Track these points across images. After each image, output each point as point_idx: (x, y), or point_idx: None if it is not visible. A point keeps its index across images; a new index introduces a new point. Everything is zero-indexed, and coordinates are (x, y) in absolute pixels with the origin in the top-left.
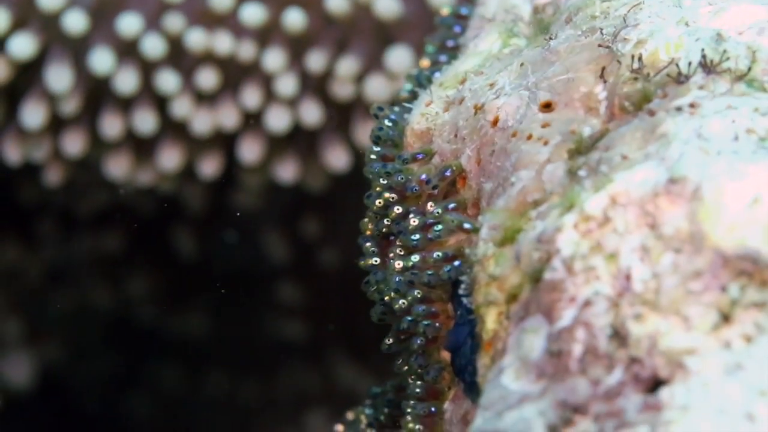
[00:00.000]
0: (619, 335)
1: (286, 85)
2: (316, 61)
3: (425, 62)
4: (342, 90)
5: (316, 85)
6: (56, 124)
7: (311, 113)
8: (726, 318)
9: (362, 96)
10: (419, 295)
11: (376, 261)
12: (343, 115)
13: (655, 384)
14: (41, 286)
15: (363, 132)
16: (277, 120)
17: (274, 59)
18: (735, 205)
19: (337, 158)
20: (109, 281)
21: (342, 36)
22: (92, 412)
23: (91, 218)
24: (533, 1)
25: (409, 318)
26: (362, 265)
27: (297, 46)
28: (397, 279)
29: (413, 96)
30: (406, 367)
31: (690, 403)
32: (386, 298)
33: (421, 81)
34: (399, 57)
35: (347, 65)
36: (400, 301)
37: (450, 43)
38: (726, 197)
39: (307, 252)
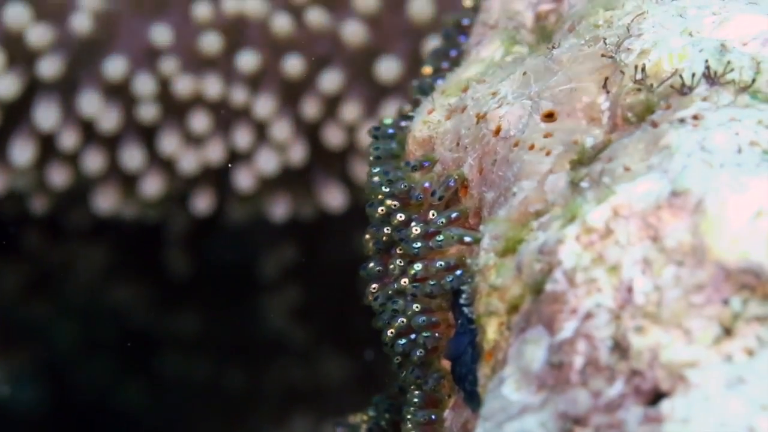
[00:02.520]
0: (620, 347)
1: (280, 130)
2: (310, 108)
3: (427, 69)
4: (337, 135)
5: (308, 130)
6: (43, 156)
7: (298, 154)
8: (728, 331)
9: (356, 143)
10: (418, 309)
11: (374, 288)
12: (338, 155)
13: (656, 396)
14: (20, 295)
15: (359, 171)
16: (268, 162)
17: (264, 105)
18: (738, 219)
19: (333, 198)
20: (96, 290)
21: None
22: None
23: (79, 230)
24: (536, 9)
25: (403, 341)
26: (367, 301)
27: (290, 90)
28: (395, 301)
29: (415, 103)
30: (404, 373)
31: (691, 416)
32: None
33: (424, 89)
34: (394, 107)
35: (348, 111)
36: (399, 320)
37: (453, 53)
38: (729, 210)
39: (300, 255)
